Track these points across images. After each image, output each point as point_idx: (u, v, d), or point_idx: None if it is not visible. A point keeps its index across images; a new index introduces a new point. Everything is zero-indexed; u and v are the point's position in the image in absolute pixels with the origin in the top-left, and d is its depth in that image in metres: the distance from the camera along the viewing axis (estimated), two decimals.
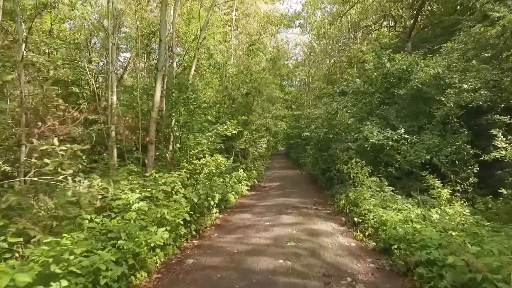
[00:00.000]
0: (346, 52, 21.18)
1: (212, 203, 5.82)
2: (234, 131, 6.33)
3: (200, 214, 5.38)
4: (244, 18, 20.16)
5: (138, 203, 4.07)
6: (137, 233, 3.31)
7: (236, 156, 11.52)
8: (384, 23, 19.10)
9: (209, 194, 5.31)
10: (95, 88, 10.00)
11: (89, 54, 14.47)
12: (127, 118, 7.03)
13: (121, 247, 3.16)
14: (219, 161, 6.19)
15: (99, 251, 2.98)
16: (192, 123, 5.81)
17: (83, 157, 8.84)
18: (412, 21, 15.81)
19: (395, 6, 17.01)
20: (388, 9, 17.12)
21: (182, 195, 5.09)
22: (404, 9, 16.70)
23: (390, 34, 18.08)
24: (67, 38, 10.41)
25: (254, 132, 12.71)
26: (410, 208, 5.43)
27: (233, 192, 8.51)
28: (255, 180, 11.73)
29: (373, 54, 9.20)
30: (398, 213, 5.13)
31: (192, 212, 5.02)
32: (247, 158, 11.68)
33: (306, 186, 10.96)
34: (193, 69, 7.75)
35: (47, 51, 10.00)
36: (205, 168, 5.99)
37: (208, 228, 5.56)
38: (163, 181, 4.62)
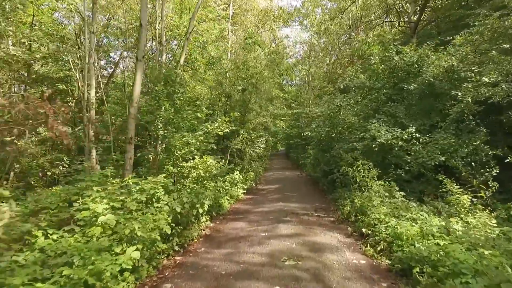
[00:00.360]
0: (348, 48, 20.53)
1: (201, 210, 5.14)
2: (226, 130, 5.63)
3: (185, 225, 4.69)
4: (242, 15, 19.46)
5: (105, 215, 3.37)
6: (93, 258, 2.61)
7: (232, 157, 10.83)
8: (387, 18, 18.43)
9: (197, 202, 4.62)
10: (79, 85, 9.31)
11: (78, 49, 13.73)
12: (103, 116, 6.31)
13: (71, 276, 2.46)
14: (208, 163, 5.49)
15: (38, 284, 2.28)
16: (177, 120, 5.11)
17: (65, 159, 8.15)
18: (417, 16, 15.19)
19: (399, 2, 16.35)
20: (392, 3, 16.44)
21: (165, 203, 4.40)
22: (408, 3, 16.06)
23: (394, 30, 17.40)
24: (50, 30, 9.69)
25: (251, 132, 12.02)
26: (426, 217, 4.73)
27: (227, 197, 7.83)
28: (252, 182, 11.04)
29: (379, 46, 8.50)
30: (413, 224, 4.45)
31: (174, 224, 4.33)
32: (243, 159, 10.98)
33: (307, 189, 10.26)
34: (181, 60, 7.04)
35: (26, 43, 9.28)
36: (192, 171, 5.30)
37: (195, 241, 4.86)
38: (137, 188, 3.92)
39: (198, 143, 5.50)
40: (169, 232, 3.89)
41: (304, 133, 11.94)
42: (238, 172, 9.56)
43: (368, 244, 4.44)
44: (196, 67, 9.83)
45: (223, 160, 6.57)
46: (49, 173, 7.98)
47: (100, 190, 4.07)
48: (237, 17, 19.93)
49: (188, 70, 10.06)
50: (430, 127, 7.11)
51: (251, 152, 11.16)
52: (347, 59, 17.94)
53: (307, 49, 27.39)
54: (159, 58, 7.89)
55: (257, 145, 12.45)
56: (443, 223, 4.42)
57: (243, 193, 9.34)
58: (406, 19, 15.95)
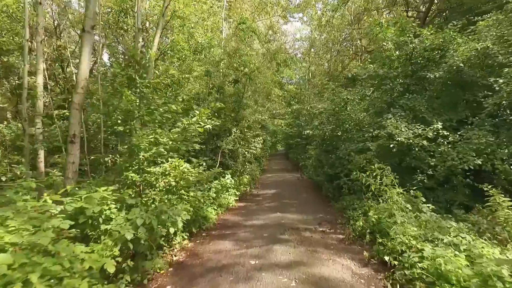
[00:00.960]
0: (350, 45, 19.39)
1: (172, 230, 3.92)
2: (208, 125, 4.42)
3: (147, 253, 3.47)
4: (238, 7, 18.27)
5: None
6: None
7: (224, 158, 9.61)
8: (391, 11, 17.24)
9: (159, 222, 3.40)
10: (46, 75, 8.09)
11: (58, 40, 12.56)
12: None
13: None
14: (182, 168, 4.27)
15: None
16: (142, 112, 3.90)
17: (21, 164, 6.95)
18: (426, 6, 14.07)
19: None
20: None
21: (118, 224, 3.20)
22: None
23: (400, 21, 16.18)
24: (13, 14, 8.46)
25: (246, 130, 10.80)
26: (470, 242, 3.52)
27: (214, 206, 6.62)
28: (247, 186, 9.84)
29: (394, 28, 7.29)
30: (456, 252, 3.25)
31: (126, 255, 3.12)
32: (237, 160, 9.76)
33: (308, 196, 9.05)
34: (156, 41, 5.80)
35: None
36: (160, 179, 4.09)
37: (162, 272, 3.63)
38: (57, 209, 2.69)
39: (171, 142, 4.28)
40: (112, 271, 2.68)
41: (305, 131, 10.74)
42: (229, 176, 8.37)
43: (397, 282, 3.22)
44: (182, 56, 8.60)
45: (204, 164, 5.33)
46: (3, 178, 6.78)
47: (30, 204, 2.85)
48: (233, 10, 18.74)
49: (173, 60, 8.84)
50: (457, 123, 5.91)
51: (245, 153, 9.94)
52: (351, 51, 16.71)
53: (307, 46, 26.31)
54: (137, 44, 6.66)
55: (253, 145, 11.22)
56: (498, 252, 3.23)
57: (235, 200, 8.13)
58: (415, 9, 14.83)
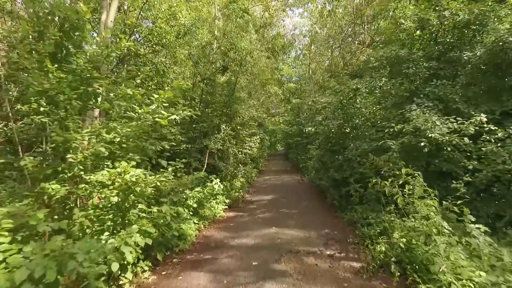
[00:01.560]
0: (351, 41, 18.15)
1: (115, 267, 2.66)
2: (173, 116, 3.16)
3: None
4: None
5: None
6: None
7: (213, 159, 8.34)
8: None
9: (70, 270, 2.12)
10: None
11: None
12: None
13: None
14: (127, 176, 2.97)
15: None
16: (69, 95, 2.64)
17: None
18: None
19: None
20: None
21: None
22: None
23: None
24: None
25: (239, 128, 9.54)
26: None
27: (195, 219, 5.37)
28: (240, 191, 8.58)
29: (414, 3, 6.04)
30: None
31: None
32: (228, 162, 8.50)
33: (310, 204, 7.77)
34: (114, 4, 4.47)
35: None
36: (96, 192, 2.82)
37: None
38: None
39: (121, 138, 3.02)
40: None
41: (306, 129, 9.45)
42: (218, 180, 7.10)
43: None
44: (166, 41, 7.27)
45: (170, 170, 4.01)
46: None
47: None
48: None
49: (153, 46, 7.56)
50: (501, 115, 4.65)
51: (237, 153, 8.68)
52: (356, 43, 15.46)
53: (307, 42, 25.08)
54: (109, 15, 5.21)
55: (248, 144, 9.95)
56: None
57: (224, 209, 6.88)
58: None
